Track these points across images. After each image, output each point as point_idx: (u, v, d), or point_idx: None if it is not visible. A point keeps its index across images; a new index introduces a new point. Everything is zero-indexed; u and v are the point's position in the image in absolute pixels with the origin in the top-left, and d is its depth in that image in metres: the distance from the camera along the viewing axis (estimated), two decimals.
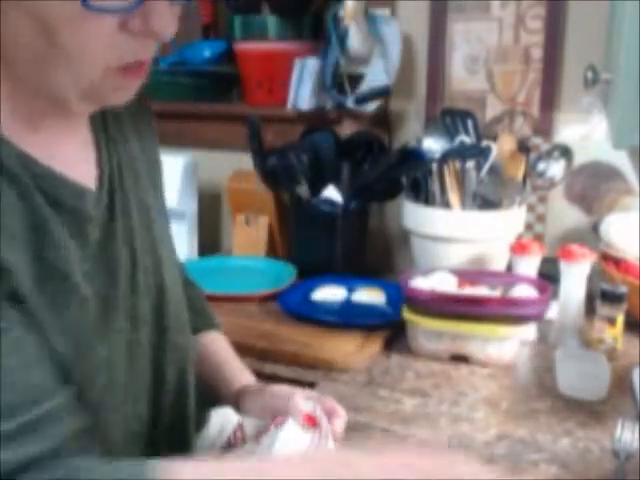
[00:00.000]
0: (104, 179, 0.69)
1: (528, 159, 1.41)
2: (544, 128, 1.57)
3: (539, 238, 1.58)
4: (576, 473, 0.85)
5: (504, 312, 1.12)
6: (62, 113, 0.65)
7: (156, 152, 0.83)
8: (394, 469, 0.56)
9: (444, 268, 1.26)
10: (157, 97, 1.64)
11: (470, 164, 1.37)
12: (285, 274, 1.49)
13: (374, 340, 1.22)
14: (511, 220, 1.41)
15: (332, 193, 1.49)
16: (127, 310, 0.69)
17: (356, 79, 1.61)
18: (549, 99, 1.55)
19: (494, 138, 1.47)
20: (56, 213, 0.62)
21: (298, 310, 1.31)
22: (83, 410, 0.61)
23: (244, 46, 1.68)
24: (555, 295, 1.20)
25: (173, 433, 0.76)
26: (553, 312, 1.22)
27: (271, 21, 1.68)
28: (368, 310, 1.34)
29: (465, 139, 1.44)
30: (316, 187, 1.51)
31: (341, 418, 0.75)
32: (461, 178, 1.37)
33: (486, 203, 1.39)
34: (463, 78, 1.62)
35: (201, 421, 0.76)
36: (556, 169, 1.39)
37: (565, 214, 1.58)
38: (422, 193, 1.42)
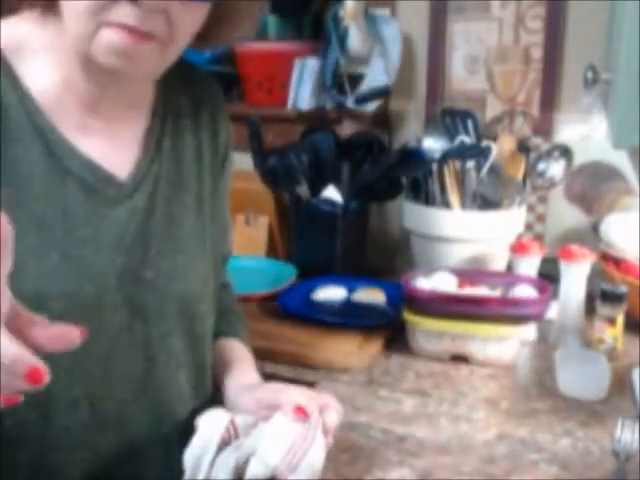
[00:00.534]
0: (138, 177, 0.75)
1: (528, 159, 1.41)
2: (544, 128, 1.57)
3: (539, 238, 1.58)
4: (576, 473, 0.85)
5: (504, 312, 1.12)
6: (114, 98, 0.72)
7: (223, 154, 0.86)
8: None
9: (444, 268, 1.27)
10: None
11: (470, 164, 1.37)
12: (285, 274, 1.49)
13: (374, 340, 1.22)
14: (511, 220, 1.41)
15: (332, 193, 1.49)
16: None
17: (356, 79, 1.61)
18: (549, 99, 1.55)
19: (494, 138, 1.47)
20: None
21: (298, 310, 1.31)
22: None
23: (244, 46, 1.68)
24: (555, 295, 1.20)
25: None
26: (553, 312, 1.22)
27: (271, 21, 1.69)
28: (368, 310, 1.34)
29: (465, 139, 1.44)
30: (316, 187, 1.51)
31: (335, 412, 0.74)
32: (461, 178, 1.37)
33: (486, 203, 1.39)
34: (463, 78, 1.62)
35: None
36: (556, 169, 1.39)
37: (565, 214, 1.58)
38: (422, 193, 1.43)
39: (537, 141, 1.56)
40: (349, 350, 1.18)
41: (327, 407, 0.73)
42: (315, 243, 1.53)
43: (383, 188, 1.52)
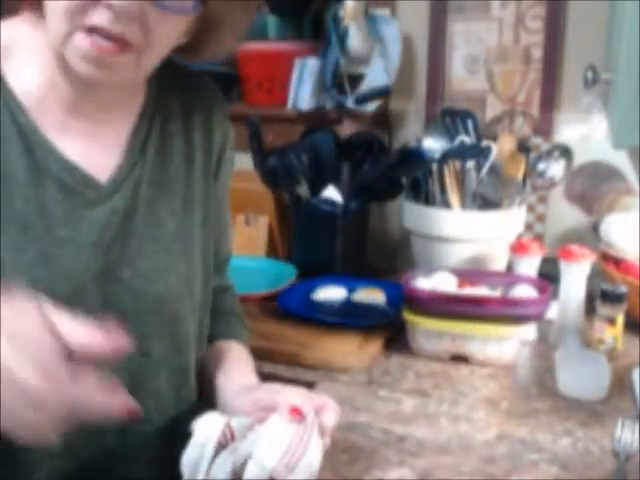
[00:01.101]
0: (118, 180, 0.75)
1: (528, 159, 1.41)
2: (544, 128, 1.57)
3: (539, 238, 1.58)
4: (576, 473, 0.85)
5: (504, 312, 1.12)
6: (96, 101, 0.73)
7: (217, 156, 0.86)
8: None
9: (444, 268, 1.26)
10: None
11: (470, 164, 1.37)
12: (285, 274, 1.49)
13: (374, 340, 1.22)
14: (511, 220, 1.41)
15: (332, 193, 1.49)
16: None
17: (356, 79, 1.61)
18: (549, 99, 1.55)
19: (494, 138, 1.47)
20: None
21: (298, 310, 1.31)
22: None
23: (244, 46, 1.68)
24: (555, 295, 1.20)
25: None
26: (553, 312, 1.22)
27: (271, 21, 1.69)
28: (368, 310, 1.34)
29: (465, 139, 1.44)
30: (316, 187, 1.51)
31: (332, 412, 0.73)
32: (461, 178, 1.37)
33: (486, 203, 1.39)
34: (463, 78, 1.62)
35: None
36: (556, 169, 1.39)
37: (565, 214, 1.58)
38: (422, 193, 1.42)
39: (537, 141, 1.56)
40: (349, 350, 1.18)
41: (324, 407, 0.73)
42: (315, 243, 1.53)
43: (383, 188, 1.52)
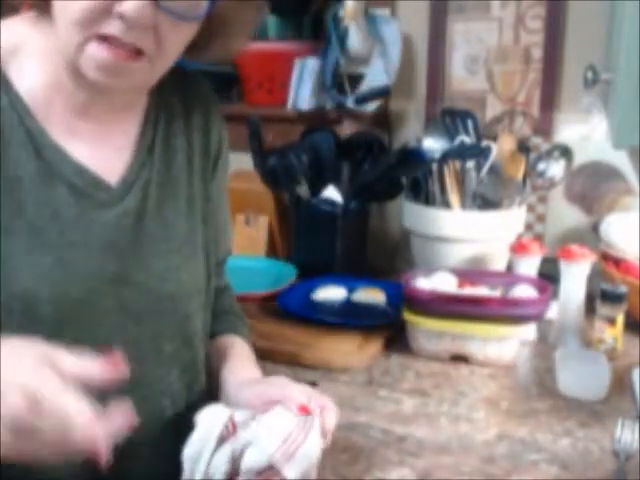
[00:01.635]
0: (128, 181, 0.75)
1: (528, 159, 1.41)
2: (544, 128, 1.57)
3: (539, 238, 1.58)
4: (576, 473, 0.85)
5: (504, 312, 1.12)
6: (103, 104, 0.73)
7: (213, 154, 0.86)
8: None
9: (444, 268, 1.26)
10: None
11: (470, 164, 1.37)
12: (285, 274, 1.49)
13: (374, 340, 1.21)
14: (511, 220, 1.41)
15: (332, 193, 1.49)
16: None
17: (356, 79, 1.61)
18: (549, 99, 1.55)
19: (494, 138, 1.47)
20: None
21: (298, 310, 1.31)
22: None
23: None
24: (555, 295, 1.20)
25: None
26: (553, 312, 1.22)
27: (271, 21, 1.68)
28: (368, 310, 1.34)
29: (465, 139, 1.44)
30: (316, 187, 1.51)
31: (332, 412, 0.74)
32: (461, 178, 1.37)
33: (486, 203, 1.39)
34: (463, 78, 1.62)
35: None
36: (556, 169, 1.39)
37: (565, 214, 1.58)
38: (422, 193, 1.42)
39: (537, 141, 1.56)
40: (349, 350, 1.18)
41: (325, 408, 0.74)
42: (315, 243, 1.53)
43: (383, 188, 1.52)
